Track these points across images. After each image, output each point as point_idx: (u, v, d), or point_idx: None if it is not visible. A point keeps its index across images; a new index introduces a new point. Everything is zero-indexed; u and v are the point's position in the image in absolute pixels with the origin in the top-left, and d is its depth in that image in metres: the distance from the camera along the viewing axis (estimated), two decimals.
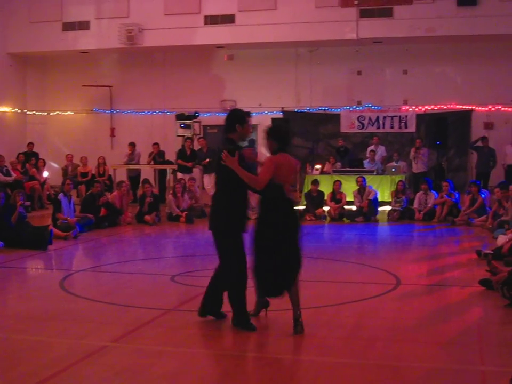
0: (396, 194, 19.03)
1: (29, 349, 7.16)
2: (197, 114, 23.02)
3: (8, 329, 7.91)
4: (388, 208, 19.30)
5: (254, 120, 26.38)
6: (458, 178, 22.45)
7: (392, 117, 24.39)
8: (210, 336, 7.71)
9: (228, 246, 7.74)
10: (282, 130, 8.07)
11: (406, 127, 24.27)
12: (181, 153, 21.27)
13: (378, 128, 24.45)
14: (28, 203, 15.95)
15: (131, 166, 22.89)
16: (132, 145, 23.11)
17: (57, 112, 27.64)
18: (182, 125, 22.82)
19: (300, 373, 6.42)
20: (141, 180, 20.67)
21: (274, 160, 7.73)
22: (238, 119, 7.87)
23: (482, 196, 17.84)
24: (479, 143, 21.76)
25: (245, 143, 8.24)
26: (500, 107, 23.51)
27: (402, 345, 7.24)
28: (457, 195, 18.41)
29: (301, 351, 7.02)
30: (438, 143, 21.68)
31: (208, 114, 24.68)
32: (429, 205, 18.41)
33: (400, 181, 19.34)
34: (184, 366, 6.65)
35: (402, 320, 8.26)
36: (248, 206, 7.99)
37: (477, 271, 10.99)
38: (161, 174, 22.55)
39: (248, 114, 7.98)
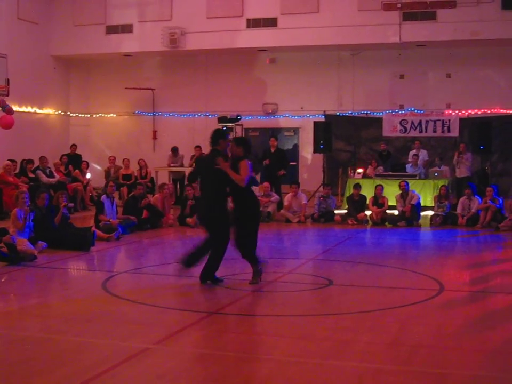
0: (438, 199, 18.84)
1: (72, 350, 7.18)
2: (239, 117, 23.05)
3: (50, 330, 7.96)
4: (430, 213, 19.13)
5: (296, 123, 26.43)
6: (502, 183, 22.14)
7: (435, 121, 24.14)
8: (252, 340, 7.69)
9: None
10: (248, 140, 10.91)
11: (449, 131, 24.01)
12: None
13: (421, 132, 24.23)
14: (71, 204, 16.05)
15: (173, 169, 22.99)
16: (174, 151, 23.25)
17: (100, 115, 27.87)
18: (224, 128, 22.85)
19: (343, 380, 6.36)
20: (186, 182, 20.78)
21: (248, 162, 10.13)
22: (221, 135, 10.53)
23: None
24: None
25: None
26: None
27: (447, 352, 7.14)
28: (501, 200, 18.16)
29: (343, 357, 6.95)
30: (481, 147, 21.40)
31: (250, 117, 24.72)
32: (473, 210, 18.18)
33: (443, 185, 19.16)
34: (226, 370, 6.63)
35: (446, 327, 8.15)
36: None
37: None
38: None
39: (228, 132, 10.61)
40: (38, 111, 25.69)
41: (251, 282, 10.24)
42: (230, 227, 10.15)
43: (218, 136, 10.47)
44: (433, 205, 19.42)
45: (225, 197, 10.24)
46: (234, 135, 22.71)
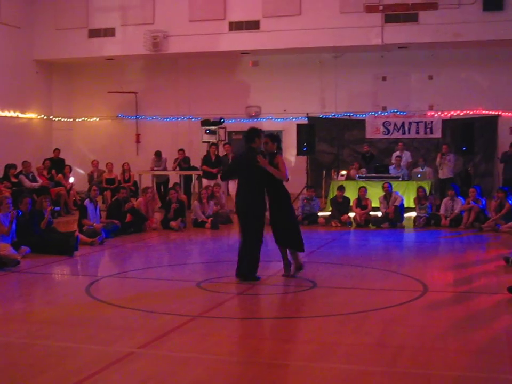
0: (418, 201, 18.82)
1: (55, 355, 7.15)
2: (222, 120, 23.03)
3: (34, 335, 7.91)
4: (414, 214, 19.15)
5: (279, 126, 26.41)
6: (485, 184, 22.27)
7: (417, 123, 24.29)
8: (237, 343, 7.68)
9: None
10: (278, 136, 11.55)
11: (431, 132, 24.16)
12: (206, 159, 21.33)
13: (404, 133, 24.37)
14: (58, 208, 15.97)
15: (156, 172, 22.94)
16: (158, 155, 23.11)
17: (83, 119, 27.82)
18: (207, 131, 22.87)
19: (328, 382, 6.36)
20: (170, 185, 20.73)
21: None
22: (256, 133, 10.86)
23: (510, 202, 17.64)
24: (508, 150, 21.53)
25: None
26: None
27: (431, 353, 7.15)
28: (484, 201, 18.24)
29: (328, 359, 6.95)
30: (464, 148, 21.46)
31: (233, 120, 24.69)
32: (456, 211, 18.23)
33: (420, 187, 19.10)
34: (210, 374, 6.62)
35: (430, 328, 8.17)
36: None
37: (505, 278, 10.90)
38: (187, 180, 22.57)
39: (261, 131, 11.06)
40: (20, 115, 25.59)
41: (294, 274, 11.05)
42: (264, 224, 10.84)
43: (254, 135, 10.86)
44: (415, 206, 19.43)
45: (264, 193, 10.77)
46: (217, 138, 22.75)
